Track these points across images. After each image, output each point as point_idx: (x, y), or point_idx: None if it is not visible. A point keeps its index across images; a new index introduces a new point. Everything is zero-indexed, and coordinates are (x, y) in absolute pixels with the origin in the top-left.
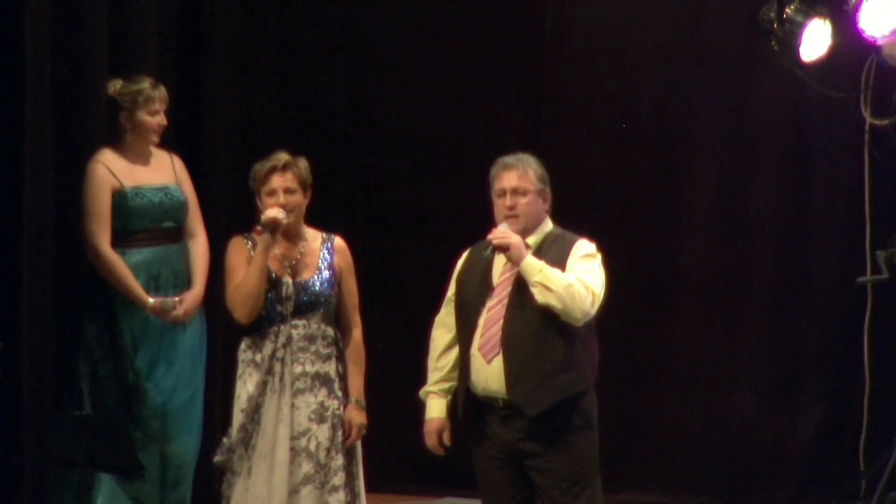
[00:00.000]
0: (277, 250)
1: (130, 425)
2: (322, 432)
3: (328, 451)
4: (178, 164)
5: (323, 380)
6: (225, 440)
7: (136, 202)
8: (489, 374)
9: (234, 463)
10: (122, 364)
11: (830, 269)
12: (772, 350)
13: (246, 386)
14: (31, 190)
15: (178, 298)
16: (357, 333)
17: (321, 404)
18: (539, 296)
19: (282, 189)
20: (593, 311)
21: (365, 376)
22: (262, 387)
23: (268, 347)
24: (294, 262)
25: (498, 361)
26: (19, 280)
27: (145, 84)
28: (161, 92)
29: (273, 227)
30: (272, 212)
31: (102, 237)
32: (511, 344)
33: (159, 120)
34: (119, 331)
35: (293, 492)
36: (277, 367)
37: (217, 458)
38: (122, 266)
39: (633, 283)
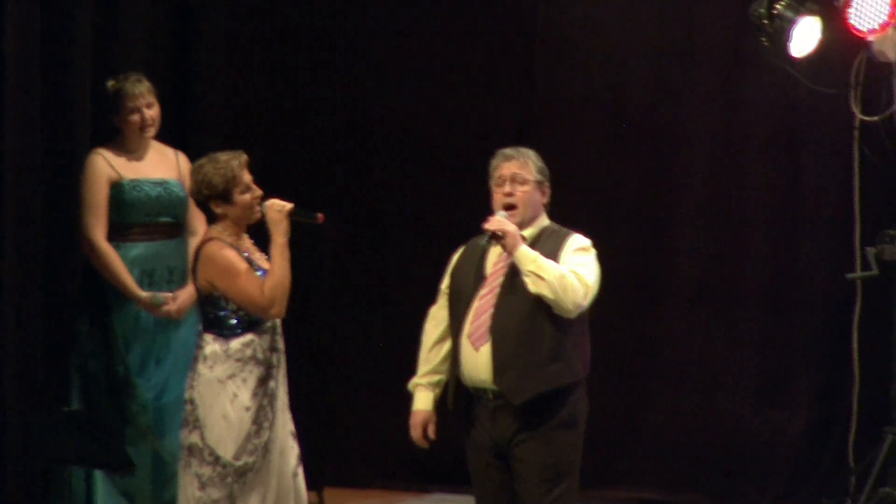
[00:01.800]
0: (248, 242)
1: (120, 420)
2: (289, 413)
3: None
4: (184, 161)
5: None
6: (232, 461)
7: (133, 195)
8: (478, 363)
9: (259, 461)
10: (113, 358)
11: (820, 266)
12: (761, 347)
13: (246, 383)
14: (14, 184)
15: (170, 294)
16: None
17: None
18: (532, 285)
19: (251, 181)
20: (585, 303)
21: None
22: (274, 380)
23: (267, 341)
24: (256, 253)
25: (486, 349)
26: (3, 277)
27: (126, 83)
28: (141, 87)
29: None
30: (284, 203)
31: (97, 229)
32: (499, 332)
33: (139, 117)
34: (111, 325)
35: (294, 475)
36: (280, 357)
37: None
38: (115, 259)
39: (624, 280)
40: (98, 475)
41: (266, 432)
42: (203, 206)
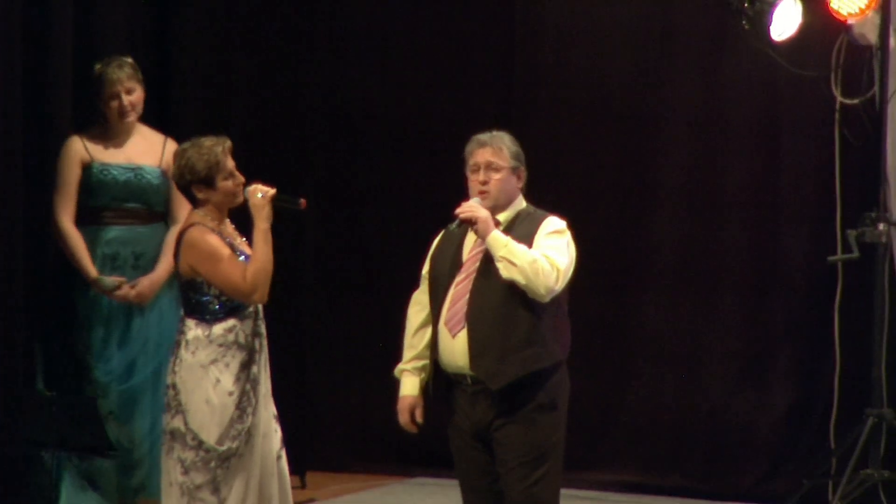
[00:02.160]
0: (230, 227)
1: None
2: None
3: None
4: (172, 148)
5: None
6: (216, 446)
7: (100, 178)
8: (455, 349)
9: (242, 446)
10: (73, 339)
11: (801, 248)
12: (743, 329)
13: (228, 368)
14: None
15: (123, 278)
16: None
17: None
18: (504, 270)
19: (234, 167)
20: (558, 287)
21: None
22: (256, 365)
23: (249, 326)
24: (238, 239)
25: (463, 335)
26: None
27: (108, 67)
28: (122, 72)
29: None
30: (266, 188)
31: (62, 209)
32: (475, 318)
33: (118, 103)
34: (74, 306)
35: (278, 458)
36: (262, 342)
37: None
38: (75, 240)
39: (605, 263)
40: (64, 461)
41: (249, 417)
42: (185, 190)
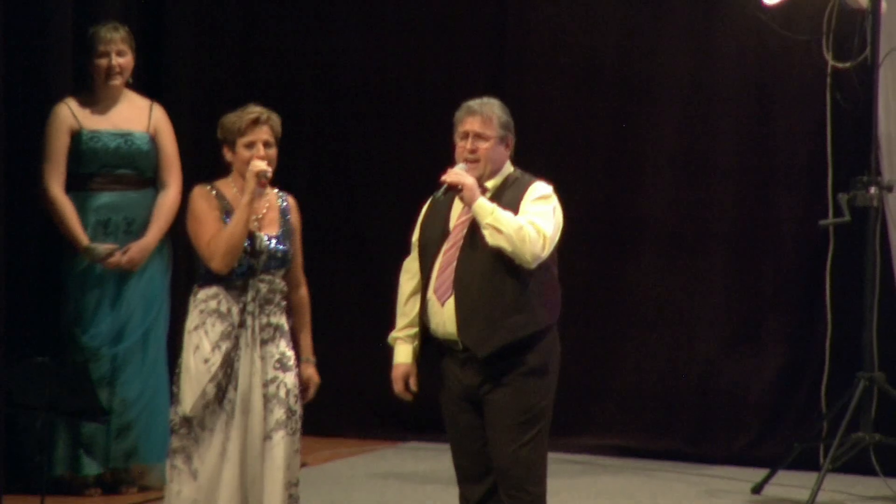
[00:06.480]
0: (263, 200)
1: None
2: (289, 379)
3: (296, 397)
4: (159, 113)
5: (281, 331)
6: (188, 412)
7: (90, 145)
8: (444, 317)
9: (207, 419)
10: (62, 306)
11: (792, 213)
12: (734, 293)
13: (208, 336)
14: None
15: (114, 245)
16: (304, 291)
17: (283, 354)
18: (490, 238)
19: (261, 142)
20: (544, 254)
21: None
22: (235, 340)
23: (237, 300)
24: (260, 216)
25: (451, 303)
26: None
27: (102, 28)
28: (116, 34)
29: (263, 179)
30: (261, 164)
31: (52, 177)
32: (462, 286)
33: (107, 62)
34: (61, 273)
35: (266, 437)
36: (249, 320)
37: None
38: (66, 207)
39: (596, 227)
40: (60, 427)
41: (229, 391)
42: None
